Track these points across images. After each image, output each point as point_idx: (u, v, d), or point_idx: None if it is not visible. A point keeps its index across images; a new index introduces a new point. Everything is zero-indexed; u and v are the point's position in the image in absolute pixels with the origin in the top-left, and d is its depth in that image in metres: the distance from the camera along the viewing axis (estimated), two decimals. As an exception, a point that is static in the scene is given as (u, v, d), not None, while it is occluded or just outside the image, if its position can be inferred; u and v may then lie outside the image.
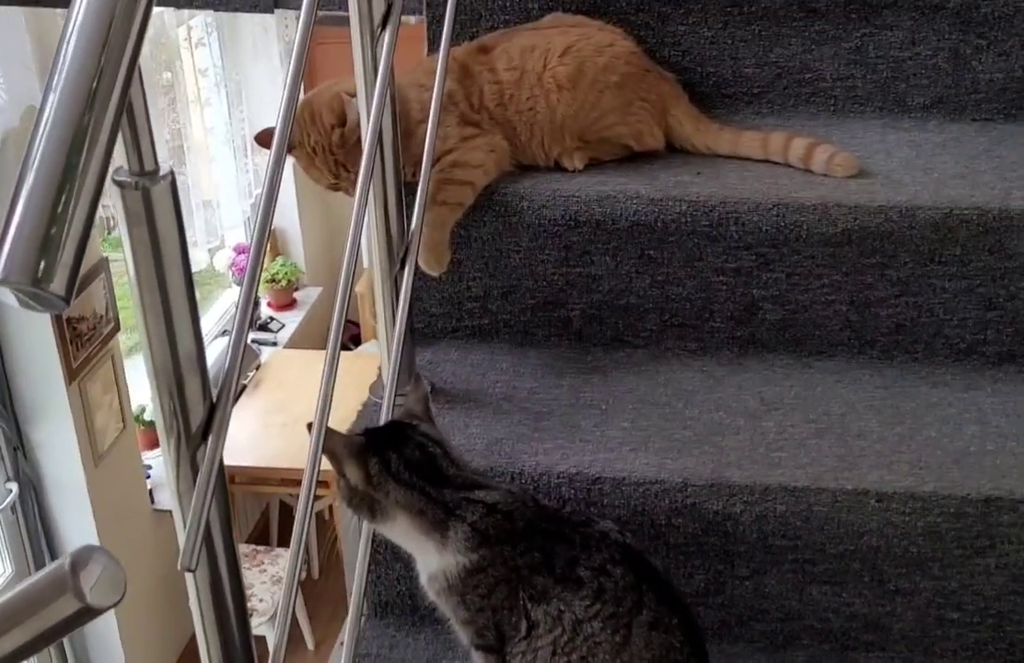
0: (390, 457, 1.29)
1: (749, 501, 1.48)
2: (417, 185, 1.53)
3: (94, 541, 3.95)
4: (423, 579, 1.34)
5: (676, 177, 1.70)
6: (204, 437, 0.99)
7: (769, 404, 1.63)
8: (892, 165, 1.74)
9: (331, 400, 1.21)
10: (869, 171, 1.71)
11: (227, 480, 4.53)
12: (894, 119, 1.88)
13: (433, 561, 1.31)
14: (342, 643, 1.42)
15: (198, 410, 0.98)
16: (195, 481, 0.98)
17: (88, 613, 0.78)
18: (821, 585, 1.52)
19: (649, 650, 1.28)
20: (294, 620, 4.70)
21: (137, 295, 0.92)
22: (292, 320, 5.57)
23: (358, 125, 1.57)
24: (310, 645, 4.79)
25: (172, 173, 0.89)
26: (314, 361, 4.92)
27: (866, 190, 1.66)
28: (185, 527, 0.97)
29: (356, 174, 1.52)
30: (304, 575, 4.83)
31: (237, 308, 1.02)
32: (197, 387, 0.97)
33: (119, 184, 0.87)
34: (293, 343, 5.47)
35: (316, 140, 1.64)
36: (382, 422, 1.43)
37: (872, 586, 1.51)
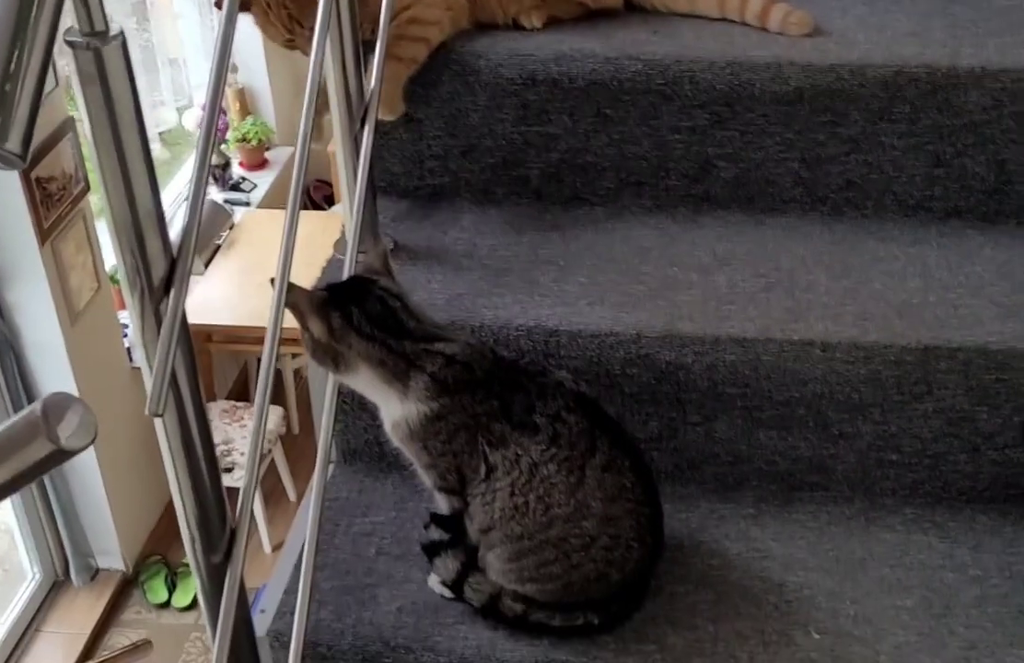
0: (351, 311, 1.34)
1: (700, 351, 1.53)
2: (375, 42, 1.54)
3: (74, 399, 4.00)
4: (387, 426, 1.41)
5: (633, 36, 1.72)
6: (167, 291, 1.03)
7: (722, 259, 1.68)
8: (847, 23, 1.76)
9: (292, 256, 1.25)
10: (823, 29, 1.74)
11: (205, 339, 4.52)
12: (852, -24, 1.90)
13: (396, 410, 1.37)
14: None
15: (160, 265, 1.02)
16: (159, 332, 1.02)
17: (61, 455, 0.83)
18: (768, 430, 1.58)
19: (601, 489, 1.35)
20: (276, 474, 4.80)
21: (95, 155, 0.95)
22: (264, 180, 5.53)
23: None
24: (292, 497, 4.89)
25: (122, 33, 0.91)
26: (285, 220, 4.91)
27: (819, 48, 1.69)
28: (152, 375, 1.01)
29: (311, 29, 1.53)
30: (284, 431, 4.92)
31: (194, 165, 1.05)
32: (157, 243, 1.01)
33: (71, 44, 0.89)
34: (266, 203, 5.45)
35: None
36: (344, 277, 1.47)
37: (816, 431, 1.58)
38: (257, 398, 1.24)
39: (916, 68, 1.65)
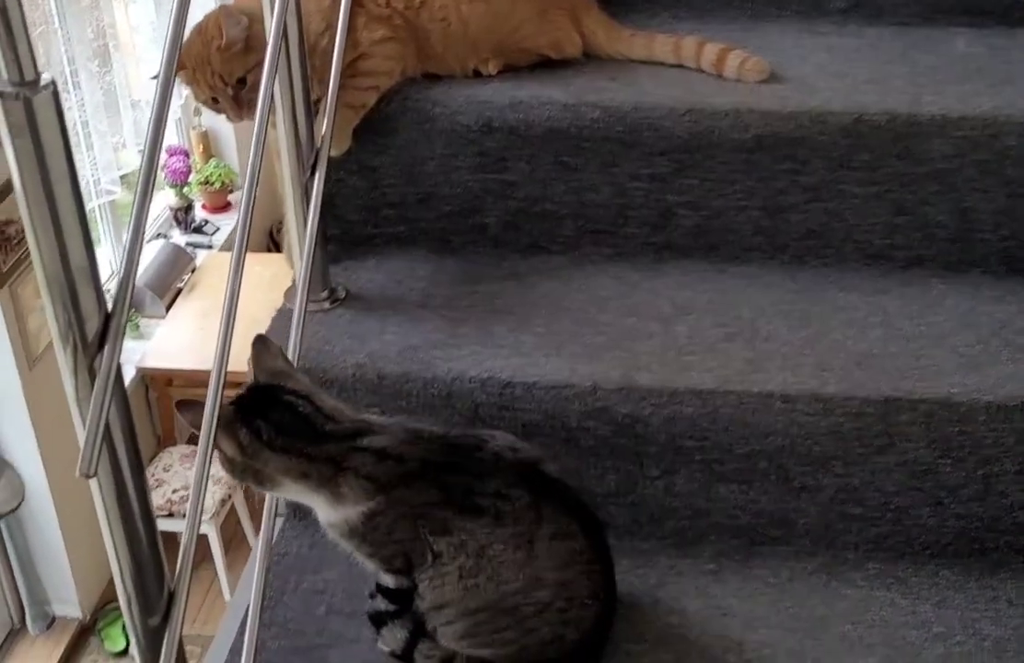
0: (259, 426, 1.26)
1: (658, 404, 1.50)
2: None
3: (32, 444, 3.93)
4: (322, 524, 1.34)
5: (591, 82, 1.71)
6: (100, 346, 0.99)
7: (682, 309, 1.65)
8: (806, 70, 1.75)
9: (236, 306, 1.23)
10: (783, 76, 1.72)
11: (166, 383, 4.44)
12: (812, 23, 1.89)
13: (330, 514, 1.31)
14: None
15: (93, 320, 0.98)
16: (93, 389, 0.98)
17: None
18: (729, 484, 1.55)
19: (551, 559, 1.31)
20: (237, 521, 4.74)
21: (25, 208, 0.91)
22: (227, 223, 5.49)
23: (241, 36, 1.56)
24: (253, 543, 4.84)
25: (54, 82, 0.88)
26: (250, 263, 4.85)
27: (779, 96, 1.68)
28: (84, 434, 0.97)
29: (235, 87, 1.51)
30: (245, 477, 4.86)
31: (131, 217, 1.02)
32: (91, 297, 0.97)
33: (-2, 94, 0.86)
34: (228, 246, 5.41)
35: (199, 52, 1.62)
36: (293, 327, 1.43)
37: (777, 484, 1.55)
38: (196, 466, 1.19)
39: (876, 115, 1.64)
